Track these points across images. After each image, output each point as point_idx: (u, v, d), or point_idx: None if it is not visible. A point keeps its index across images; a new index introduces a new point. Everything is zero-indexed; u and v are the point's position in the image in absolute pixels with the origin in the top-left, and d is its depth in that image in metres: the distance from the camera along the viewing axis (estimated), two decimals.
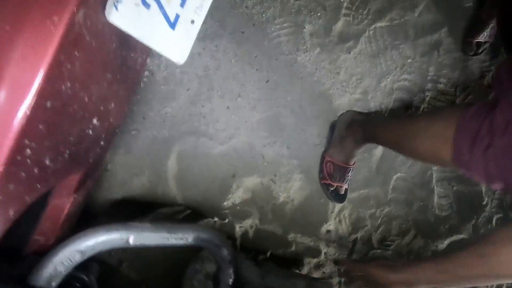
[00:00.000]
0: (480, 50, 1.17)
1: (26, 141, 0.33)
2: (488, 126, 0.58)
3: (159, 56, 1.02)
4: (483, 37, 1.14)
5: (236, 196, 1.03)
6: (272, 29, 1.05)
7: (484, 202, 1.19)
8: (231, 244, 0.67)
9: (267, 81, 1.06)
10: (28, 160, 0.35)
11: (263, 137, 1.05)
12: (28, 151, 0.34)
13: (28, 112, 0.31)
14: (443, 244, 1.15)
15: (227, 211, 1.02)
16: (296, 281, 0.71)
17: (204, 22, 1.07)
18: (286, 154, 1.06)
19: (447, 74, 1.17)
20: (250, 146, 1.04)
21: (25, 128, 0.31)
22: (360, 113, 1.08)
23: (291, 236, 1.06)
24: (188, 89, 1.02)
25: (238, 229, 1.02)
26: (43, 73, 0.31)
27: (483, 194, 1.19)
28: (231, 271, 0.66)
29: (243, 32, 1.04)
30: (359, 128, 0.98)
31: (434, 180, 1.15)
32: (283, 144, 1.06)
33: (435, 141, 0.67)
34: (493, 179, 0.58)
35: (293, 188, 1.06)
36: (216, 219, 0.98)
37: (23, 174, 0.35)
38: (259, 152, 1.05)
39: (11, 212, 0.36)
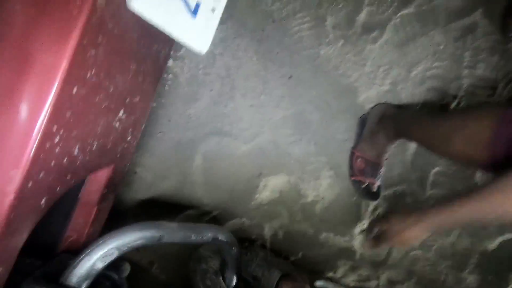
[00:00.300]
0: None
1: (55, 128, 0.33)
2: None
3: (182, 58, 1.04)
4: None
5: (264, 195, 1.01)
6: (293, 24, 1.03)
7: None
8: (238, 243, 0.72)
9: (290, 77, 1.03)
10: (57, 148, 0.35)
11: (288, 134, 1.02)
12: (57, 138, 0.34)
13: (55, 98, 0.31)
14: (493, 243, 1.04)
15: (255, 211, 1.00)
16: (274, 271, 0.72)
17: (224, 22, 1.08)
18: (313, 151, 1.02)
19: (486, 59, 1.08)
20: (276, 144, 1.02)
21: (53, 114, 0.31)
22: (392, 106, 1.03)
23: (323, 237, 1.01)
24: (211, 90, 1.02)
25: (267, 229, 0.99)
26: (68, 58, 0.31)
27: None
28: (236, 268, 0.71)
29: (263, 30, 1.03)
30: (390, 123, 0.93)
31: (478, 174, 1.06)
32: (309, 141, 1.03)
33: (469, 143, 0.63)
34: None
35: (323, 186, 1.02)
36: (244, 219, 0.96)
37: (53, 162, 0.35)
38: (285, 150, 1.02)
39: (43, 202, 0.36)
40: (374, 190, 1.02)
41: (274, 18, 1.03)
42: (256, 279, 0.74)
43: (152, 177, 0.99)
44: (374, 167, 1.00)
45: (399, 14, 1.08)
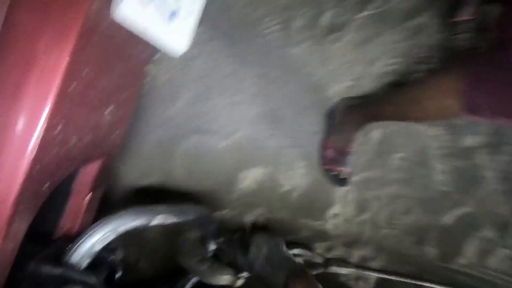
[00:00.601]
0: (464, 29, 1.21)
1: (57, 119, 0.38)
2: (495, 67, 0.63)
3: (160, 61, 1.09)
4: (466, 15, 1.18)
5: (243, 187, 1.07)
6: (263, 26, 1.11)
7: (484, 175, 1.21)
8: (217, 221, 0.83)
9: (262, 76, 1.11)
10: (59, 137, 0.40)
11: (263, 129, 1.10)
12: (59, 128, 0.39)
13: (57, 92, 0.36)
14: (449, 218, 1.17)
15: (236, 202, 1.06)
16: (278, 274, 0.70)
17: (199, 26, 1.14)
18: (287, 144, 1.11)
19: (436, 55, 1.21)
20: (252, 139, 1.09)
21: (55, 106, 0.36)
22: (356, 97, 1.13)
23: (300, 222, 1.10)
24: (188, 91, 1.08)
25: (248, 218, 1.06)
26: (68, 57, 0.36)
27: (482, 167, 1.21)
28: (213, 241, 0.82)
29: (236, 33, 1.10)
30: (359, 110, 1.03)
31: (433, 158, 1.18)
32: (283, 135, 1.11)
33: (444, 95, 0.72)
34: (497, 115, 0.64)
35: (298, 176, 1.10)
36: (226, 210, 1.02)
37: (55, 149, 0.40)
38: (261, 144, 1.09)
39: (46, 186, 0.41)
40: (344, 177, 1.12)
41: (245, 21, 1.10)
42: (262, 279, 0.73)
43: (135, 176, 1.03)
44: (343, 155, 1.09)
45: (359, 16, 1.19)
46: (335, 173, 1.10)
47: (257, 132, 1.08)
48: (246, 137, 1.08)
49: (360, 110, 1.02)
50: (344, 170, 1.10)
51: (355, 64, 1.16)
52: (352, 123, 1.05)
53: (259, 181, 1.08)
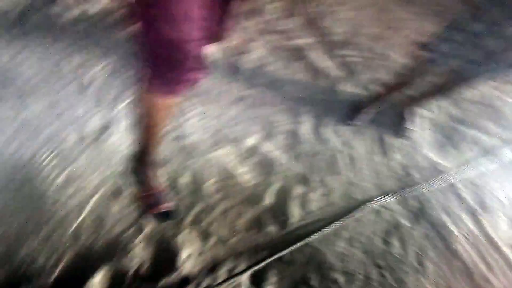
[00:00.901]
0: None
1: None
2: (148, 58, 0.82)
3: None
4: None
5: None
6: (36, 161, 1.25)
7: (274, 156, 1.62)
8: None
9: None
10: None
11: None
12: None
13: None
14: (269, 198, 1.48)
15: None
16: None
17: None
18: (112, 236, 1.23)
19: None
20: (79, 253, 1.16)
21: None
22: (136, 152, 1.33)
23: (162, 283, 1.19)
24: None
25: None
26: None
27: (270, 152, 1.62)
28: None
29: (15, 179, 1.20)
30: (142, 157, 1.26)
31: (234, 167, 1.52)
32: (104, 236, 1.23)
33: (148, 99, 0.94)
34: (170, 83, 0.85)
35: (139, 252, 1.22)
36: None
37: None
38: (87, 251, 1.18)
39: None
40: (170, 210, 1.29)
41: (18, 165, 1.22)
42: None
43: None
44: (158, 195, 1.29)
45: (120, 107, 1.50)
46: (161, 211, 1.27)
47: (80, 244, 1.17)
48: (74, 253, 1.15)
49: (142, 155, 1.25)
50: (167, 205, 1.30)
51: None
52: (146, 168, 1.28)
53: (108, 280, 1.15)
